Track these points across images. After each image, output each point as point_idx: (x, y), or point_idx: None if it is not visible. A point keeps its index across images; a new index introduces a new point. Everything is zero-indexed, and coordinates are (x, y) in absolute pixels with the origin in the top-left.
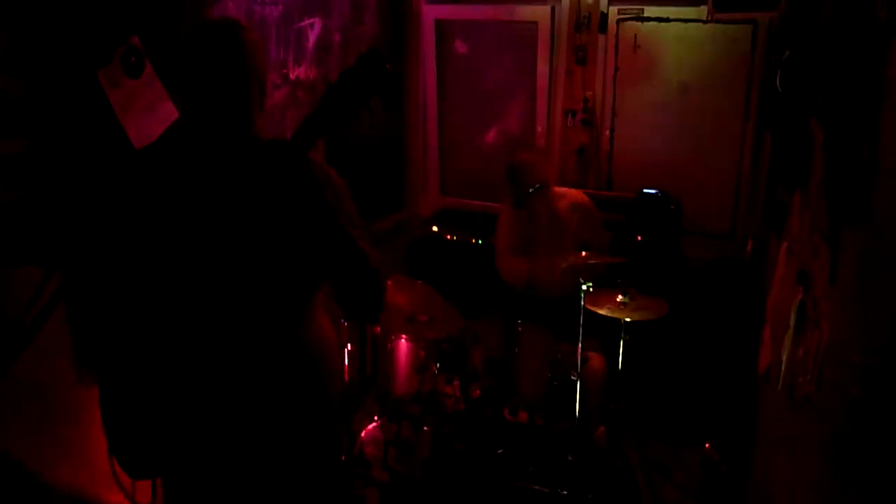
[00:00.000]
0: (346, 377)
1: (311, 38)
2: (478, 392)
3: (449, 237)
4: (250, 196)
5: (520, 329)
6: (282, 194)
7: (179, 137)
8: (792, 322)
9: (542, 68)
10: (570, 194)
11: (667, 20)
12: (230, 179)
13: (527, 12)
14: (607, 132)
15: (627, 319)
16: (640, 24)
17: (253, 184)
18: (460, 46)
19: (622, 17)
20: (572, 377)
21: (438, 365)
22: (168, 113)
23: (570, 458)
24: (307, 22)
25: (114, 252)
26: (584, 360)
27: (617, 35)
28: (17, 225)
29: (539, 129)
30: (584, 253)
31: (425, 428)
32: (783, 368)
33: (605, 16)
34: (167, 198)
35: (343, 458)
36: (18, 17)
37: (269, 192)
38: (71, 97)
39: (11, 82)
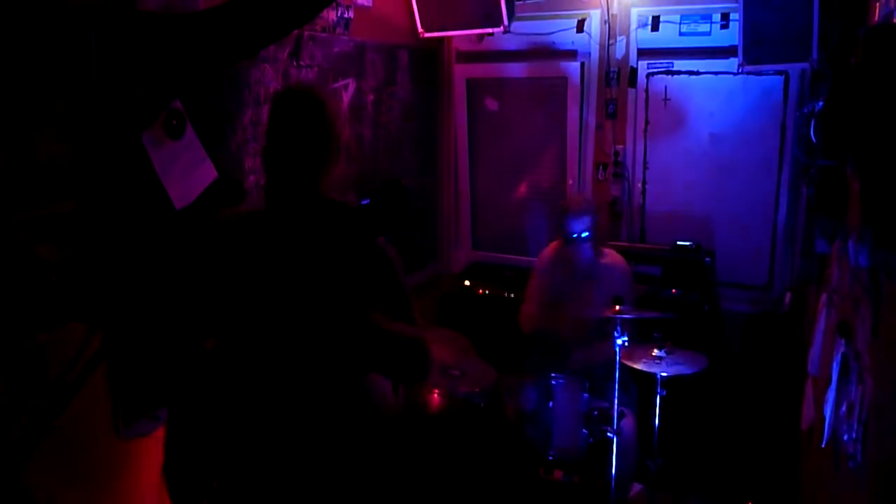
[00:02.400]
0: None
1: (346, 98)
2: (511, 449)
3: (481, 291)
4: (319, 254)
5: (553, 384)
6: (347, 255)
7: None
8: (834, 376)
9: (573, 122)
10: (613, 256)
11: (697, 73)
12: (301, 238)
13: (556, 68)
14: (639, 185)
15: (664, 374)
16: (669, 77)
17: (321, 243)
18: (491, 103)
19: (652, 71)
20: (608, 434)
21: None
22: (208, 173)
23: None
24: (341, 83)
25: (182, 309)
26: (621, 416)
27: (647, 88)
28: (62, 282)
29: (570, 182)
30: (617, 307)
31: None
32: (826, 425)
33: (634, 70)
34: (242, 256)
35: None
36: (73, 83)
37: (336, 251)
38: (115, 159)
39: (60, 146)
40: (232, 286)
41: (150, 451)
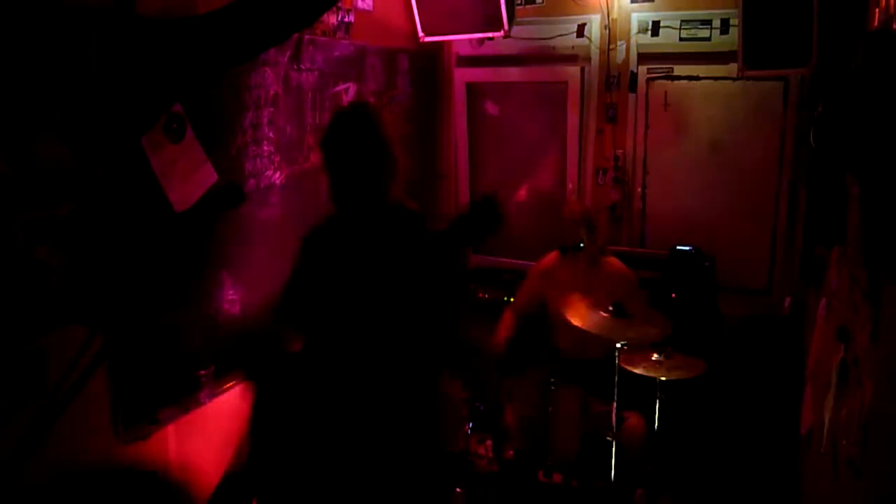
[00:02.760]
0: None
1: (346, 102)
2: (511, 453)
3: (480, 295)
4: (392, 258)
5: (554, 388)
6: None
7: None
8: (833, 381)
9: (573, 127)
10: (614, 263)
11: (697, 78)
12: (374, 244)
13: (557, 73)
14: (639, 189)
15: (663, 378)
16: (669, 82)
17: (393, 247)
18: (491, 107)
19: (652, 75)
20: (608, 438)
21: (471, 424)
22: (207, 176)
23: None
24: (342, 87)
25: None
26: (621, 419)
27: (647, 94)
28: (62, 285)
29: (570, 186)
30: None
31: (458, 490)
32: (826, 430)
33: (634, 75)
34: (328, 264)
35: None
36: (73, 87)
37: (407, 254)
38: (115, 162)
39: (61, 150)
40: (322, 289)
41: (150, 454)
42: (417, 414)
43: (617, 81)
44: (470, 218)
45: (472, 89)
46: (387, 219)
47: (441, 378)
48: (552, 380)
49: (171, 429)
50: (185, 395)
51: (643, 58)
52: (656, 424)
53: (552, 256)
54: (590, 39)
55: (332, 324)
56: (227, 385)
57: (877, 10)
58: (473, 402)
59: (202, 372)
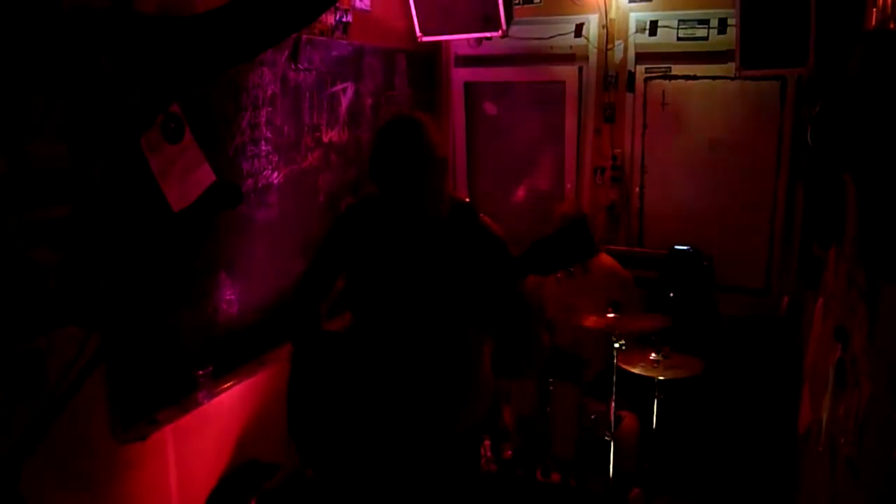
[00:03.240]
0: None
1: (344, 102)
2: (509, 452)
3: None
4: (441, 258)
5: (552, 388)
6: (471, 264)
7: (376, 210)
8: (831, 380)
9: (571, 127)
10: (606, 261)
11: (694, 78)
12: (425, 239)
13: (554, 72)
14: (637, 189)
15: (661, 378)
16: (667, 81)
17: (442, 248)
18: (489, 107)
19: (649, 75)
20: (605, 437)
21: None
22: (205, 176)
23: None
24: (340, 87)
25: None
26: (618, 419)
27: (645, 93)
28: (60, 286)
29: (568, 185)
30: (611, 313)
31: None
32: (823, 428)
33: (632, 74)
34: (373, 253)
35: None
36: (71, 87)
37: (458, 257)
38: (113, 163)
39: (60, 149)
40: (366, 265)
41: (148, 455)
42: (452, 395)
43: (615, 81)
44: (556, 244)
45: (471, 89)
46: (443, 219)
47: (481, 363)
48: (550, 379)
49: (169, 429)
50: (183, 396)
51: (641, 57)
52: (654, 424)
53: None
54: (588, 39)
55: (370, 304)
56: (226, 385)
57: (874, 9)
58: None
59: (200, 372)
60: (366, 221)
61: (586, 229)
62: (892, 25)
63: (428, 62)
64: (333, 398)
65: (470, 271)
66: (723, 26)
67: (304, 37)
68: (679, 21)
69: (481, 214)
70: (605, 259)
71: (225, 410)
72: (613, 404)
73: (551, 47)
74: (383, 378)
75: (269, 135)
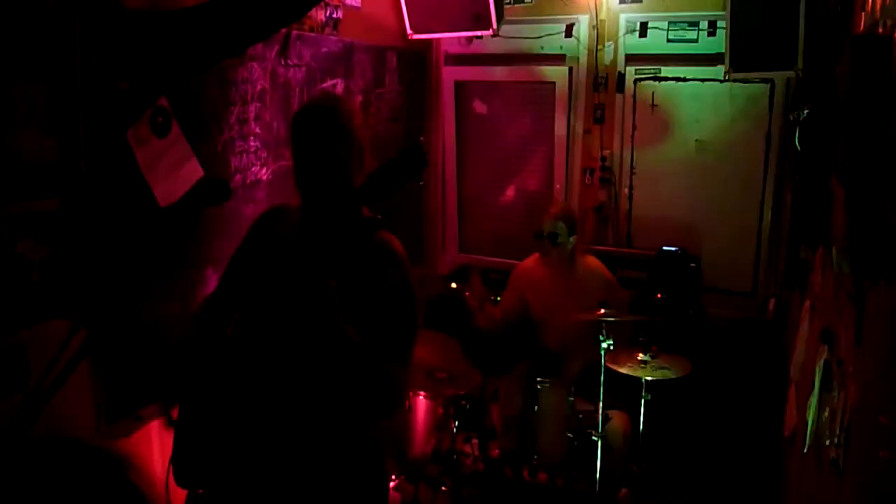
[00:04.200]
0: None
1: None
2: (497, 451)
3: (468, 294)
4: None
5: (539, 387)
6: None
7: (283, 216)
8: (817, 382)
9: (560, 127)
10: (591, 262)
11: (684, 80)
12: (318, 250)
13: (545, 72)
14: (626, 190)
15: (649, 378)
16: (657, 83)
17: (340, 259)
18: (479, 106)
19: (639, 76)
20: (593, 437)
21: (457, 423)
22: (193, 171)
23: None
24: (329, 83)
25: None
26: (606, 419)
27: (634, 94)
28: (45, 280)
29: (557, 186)
30: (601, 311)
31: (443, 488)
32: (809, 430)
33: (622, 76)
34: (269, 251)
35: None
36: (58, 80)
37: (352, 272)
38: (101, 156)
39: (46, 143)
40: (256, 273)
41: (133, 451)
42: (342, 405)
43: (605, 82)
44: (391, 166)
45: (461, 88)
46: (346, 225)
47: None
48: (538, 379)
49: (154, 425)
50: (169, 392)
51: (631, 59)
52: (641, 424)
53: (532, 258)
54: (578, 40)
55: (260, 311)
56: None
57: (862, 13)
58: (459, 400)
59: None
60: (272, 228)
61: (419, 149)
62: (880, 30)
63: (418, 60)
64: (221, 413)
65: (360, 287)
66: (713, 29)
67: (294, 32)
68: (669, 23)
69: (385, 232)
70: (591, 261)
71: None
72: (601, 404)
73: (542, 47)
74: (265, 395)
75: (257, 130)
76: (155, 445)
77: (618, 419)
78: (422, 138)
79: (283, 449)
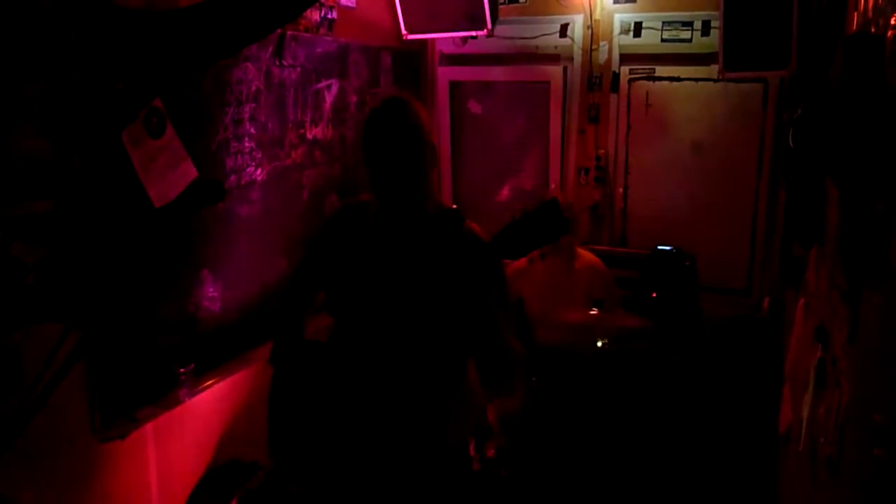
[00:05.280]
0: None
1: (328, 99)
2: (492, 451)
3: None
4: (422, 263)
5: (536, 386)
6: (452, 272)
7: (363, 214)
8: (811, 380)
9: (555, 127)
10: (587, 256)
11: (678, 79)
12: (407, 245)
13: (539, 72)
14: (620, 189)
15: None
16: (651, 83)
17: (426, 254)
18: (474, 106)
19: (634, 76)
20: (584, 435)
21: None
22: (188, 172)
23: None
24: (324, 84)
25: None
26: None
27: (629, 94)
28: (39, 282)
29: (552, 186)
30: (595, 310)
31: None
32: (804, 428)
33: (616, 75)
34: (355, 251)
35: None
36: (53, 80)
37: (440, 264)
38: (95, 157)
39: (41, 143)
40: (343, 275)
41: (128, 454)
42: (435, 409)
43: (599, 82)
44: (528, 224)
45: (456, 88)
46: (427, 220)
47: (465, 377)
48: (533, 378)
49: (149, 427)
50: (164, 394)
51: (625, 58)
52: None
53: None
54: (573, 39)
55: (351, 312)
56: (208, 383)
57: (855, 13)
58: None
59: (182, 370)
60: (352, 225)
61: (557, 208)
62: (872, 29)
63: (413, 60)
64: (316, 413)
65: (456, 279)
66: (706, 28)
67: (289, 33)
68: (663, 23)
69: (468, 221)
70: (589, 256)
71: (207, 409)
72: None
73: (536, 47)
74: (367, 391)
75: (252, 131)
76: (150, 447)
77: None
78: (559, 197)
79: (386, 448)
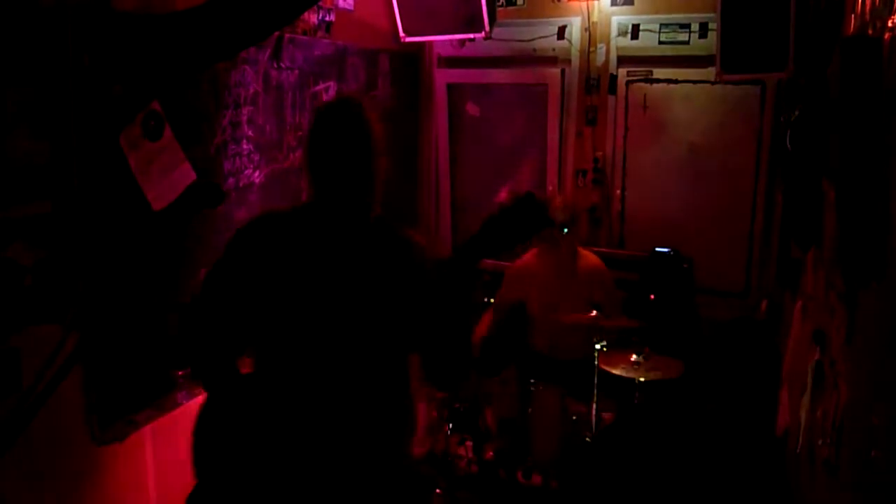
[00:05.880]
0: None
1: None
2: (491, 453)
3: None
4: (365, 272)
5: (533, 389)
6: (399, 279)
7: (303, 208)
8: (809, 382)
9: (553, 129)
10: (591, 258)
11: (675, 81)
12: (349, 254)
13: (537, 75)
14: (618, 191)
15: (642, 379)
16: (649, 85)
17: (369, 262)
18: (472, 108)
19: (631, 78)
20: (587, 439)
21: (451, 425)
22: (185, 175)
23: None
24: (322, 86)
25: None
26: (600, 420)
27: (626, 96)
28: (38, 284)
29: (550, 188)
30: (594, 312)
31: (437, 491)
32: (802, 430)
33: (614, 77)
34: (284, 265)
35: None
36: (50, 83)
37: (384, 272)
38: (93, 160)
39: (38, 146)
40: (273, 289)
41: (127, 457)
42: (386, 430)
43: (597, 84)
44: (506, 220)
45: (453, 90)
46: (370, 231)
47: (409, 391)
48: (532, 381)
49: (147, 430)
50: (162, 396)
51: (623, 60)
52: (635, 426)
53: (530, 255)
54: (570, 42)
55: (287, 332)
56: None
57: (852, 16)
58: (453, 403)
59: (180, 372)
60: (275, 237)
61: (534, 201)
62: (870, 31)
63: (411, 63)
64: (253, 456)
65: (399, 287)
66: (704, 31)
67: (287, 35)
68: (661, 25)
69: (399, 224)
70: (592, 257)
71: None
72: (595, 406)
73: (534, 49)
74: (309, 427)
75: (250, 133)
76: (148, 450)
77: (610, 420)
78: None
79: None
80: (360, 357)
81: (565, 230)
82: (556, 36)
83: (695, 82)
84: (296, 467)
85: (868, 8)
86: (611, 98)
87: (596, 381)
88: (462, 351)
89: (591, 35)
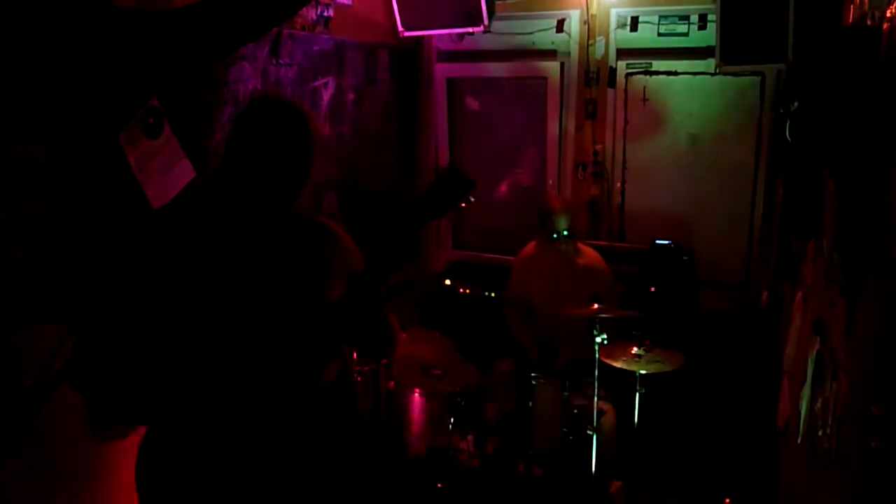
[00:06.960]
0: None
1: (325, 97)
2: (492, 447)
3: (461, 290)
4: (284, 267)
5: (534, 383)
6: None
7: (218, 200)
8: (809, 373)
9: (553, 122)
10: (591, 254)
11: (675, 73)
12: (267, 249)
13: (536, 68)
14: (618, 184)
15: (643, 372)
16: (648, 77)
17: (287, 256)
18: (471, 102)
19: (631, 71)
20: (588, 431)
21: (452, 419)
22: (185, 172)
23: None
24: (321, 81)
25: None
26: (600, 413)
27: (626, 89)
28: (38, 283)
29: (550, 182)
30: (595, 305)
31: (439, 485)
32: (802, 421)
33: (613, 70)
34: (198, 259)
35: None
36: (48, 81)
37: (302, 266)
38: (90, 159)
39: (35, 147)
40: (186, 280)
41: (128, 454)
42: (303, 407)
43: (596, 77)
44: (434, 189)
45: (453, 84)
46: (288, 226)
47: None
48: (532, 374)
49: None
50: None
51: (622, 53)
52: (636, 417)
53: (530, 247)
54: (569, 35)
55: (204, 320)
56: None
57: (851, 6)
58: (454, 397)
59: None
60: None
61: (457, 172)
62: (869, 22)
63: (410, 57)
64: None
65: (300, 276)
66: (703, 22)
67: (285, 31)
68: (660, 17)
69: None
70: (593, 253)
71: None
72: (596, 398)
73: (533, 43)
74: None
75: None
76: None
77: (611, 413)
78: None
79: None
80: (268, 352)
81: (565, 233)
82: (555, 29)
83: (694, 74)
84: (234, 475)
85: None
86: (610, 91)
87: (597, 374)
88: (381, 331)
89: (590, 28)
